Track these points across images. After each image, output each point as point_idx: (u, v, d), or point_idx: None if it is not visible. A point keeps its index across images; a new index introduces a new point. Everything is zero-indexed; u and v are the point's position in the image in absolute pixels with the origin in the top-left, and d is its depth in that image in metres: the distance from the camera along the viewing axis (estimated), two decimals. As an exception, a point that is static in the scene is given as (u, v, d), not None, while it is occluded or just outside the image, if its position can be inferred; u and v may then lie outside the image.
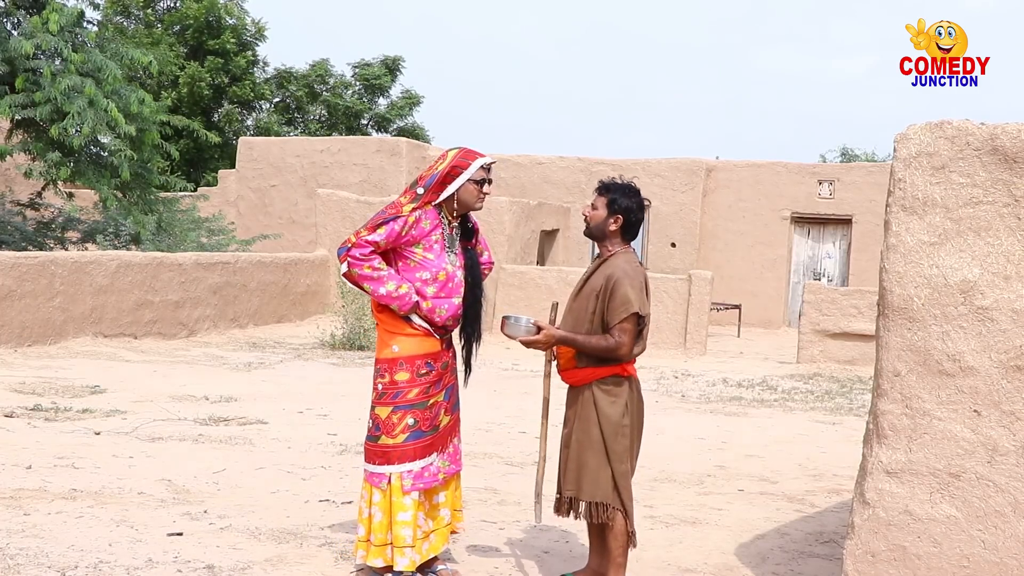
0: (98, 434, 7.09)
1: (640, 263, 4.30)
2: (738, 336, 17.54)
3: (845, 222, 18.81)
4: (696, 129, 78.74)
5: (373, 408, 4.33)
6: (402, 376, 4.29)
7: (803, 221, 19.21)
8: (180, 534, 4.87)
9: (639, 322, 4.14)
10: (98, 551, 4.54)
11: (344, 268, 4.32)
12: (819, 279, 18.80)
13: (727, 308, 18.00)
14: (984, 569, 3.52)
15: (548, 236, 18.26)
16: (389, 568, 4.25)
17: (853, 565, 3.71)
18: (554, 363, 4.35)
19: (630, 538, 4.24)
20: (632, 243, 4.38)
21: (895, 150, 3.68)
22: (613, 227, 4.28)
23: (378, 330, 4.39)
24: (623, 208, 4.25)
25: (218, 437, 7.21)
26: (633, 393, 4.23)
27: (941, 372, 3.57)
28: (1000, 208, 3.54)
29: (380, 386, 4.30)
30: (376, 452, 4.27)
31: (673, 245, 19.06)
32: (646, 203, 4.32)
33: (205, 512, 5.28)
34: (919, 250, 3.61)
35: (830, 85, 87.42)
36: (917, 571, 3.60)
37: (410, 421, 4.27)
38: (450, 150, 4.43)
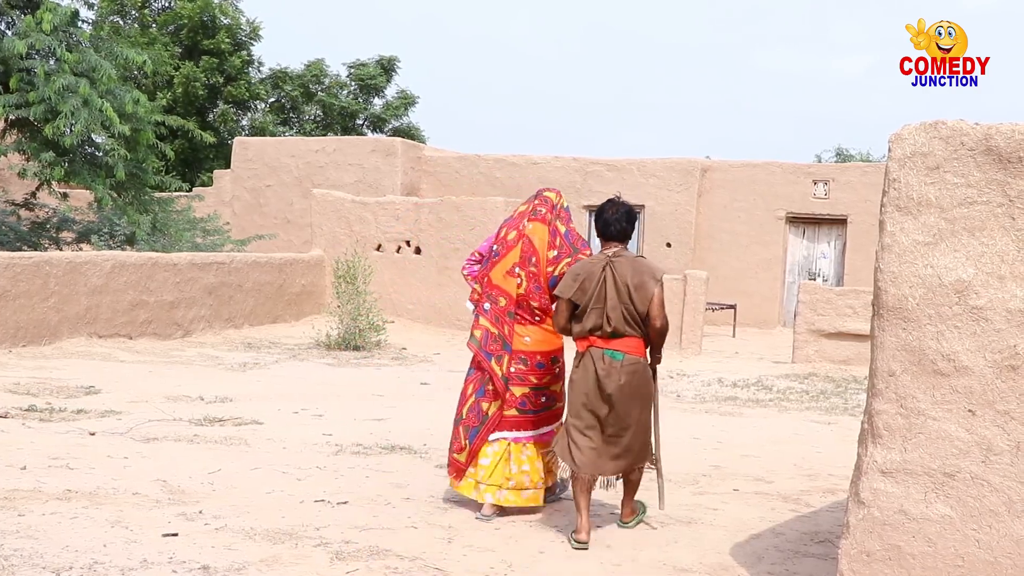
0: (93, 435, 7.08)
1: (605, 261, 5.11)
2: (733, 336, 17.55)
3: (840, 222, 18.83)
4: (692, 129, 78.83)
5: (547, 387, 5.56)
6: (562, 359, 5.68)
7: (798, 221, 19.22)
8: (175, 535, 4.86)
9: (571, 305, 5.13)
10: (93, 552, 4.53)
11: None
12: (814, 279, 18.80)
13: (722, 308, 18.01)
14: (979, 568, 3.53)
15: (543, 236, 18.25)
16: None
17: (848, 565, 3.71)
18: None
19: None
20: (623, 242, 5.24)
21: (890, 150, 3.69)
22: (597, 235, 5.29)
23: (542, 329, 5.52)
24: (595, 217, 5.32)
25: (213, 437, 7.20)
26: (584, 361, 5.10)
27: (936, 372, 3.58)
28: (994, 208, 3.54)
29: (557, 369, 5.61)
30: (555, 415, 5.60)
31: (668, 245, 19.06)
32: (616, 198, 5.37)
33: (200, 512, 5.27)
34: (914, 250, 3.62)
35: (826, 85, 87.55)
36: (912, 570, 3.61)
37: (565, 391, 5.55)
38: (549, 192, 5.75)
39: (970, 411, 3.54)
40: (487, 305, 5.54)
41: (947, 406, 3.57)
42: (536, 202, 5.65)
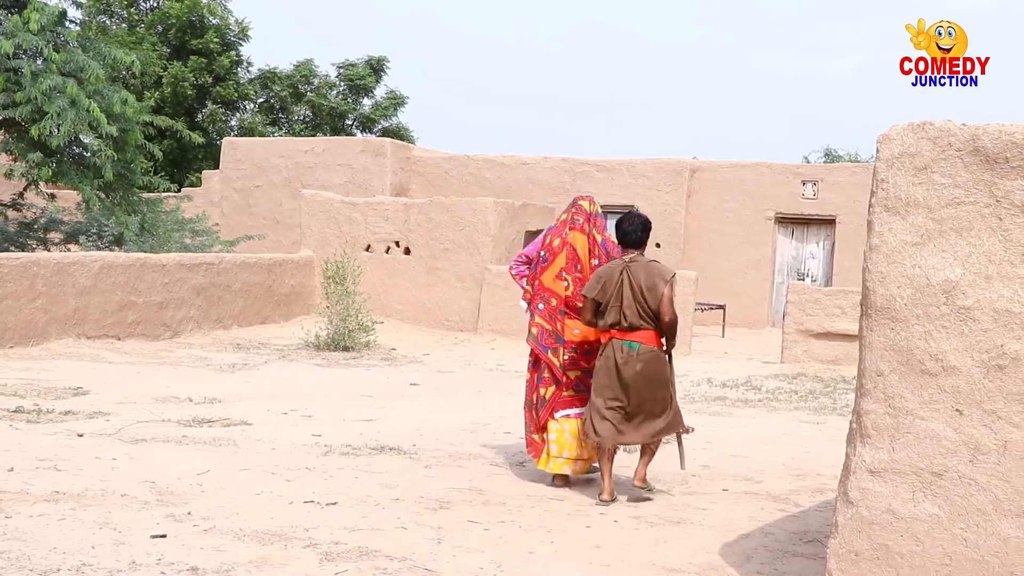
0: (81, 436, 7.04)
1: (623, 265, 5.99)
2: (722, 336, 17.58)
3: (829, 222, 18.89)
4: (681, 130, 78.95)
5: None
6: None
7: (787, 221, 19.28)
8: (164, 536, 4.84)
9: (595, 303, 5.99)
10: (81, 553, 4.51)
11: None
12: (803, 279, 18.85)
13: (711, 308, 18.03)
14: (966, 567, 3.55)
15: (532, 237, 18.25)
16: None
17: (837, 564, 3.73)
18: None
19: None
20: (639, 248, 6.10)
21: (878, 151, 3.70)
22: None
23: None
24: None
25: (202, 438, 7.18)
26: (606, 350, 6.01)
27: (923, 372, 3.59)
28: (981, 208, 3.56)
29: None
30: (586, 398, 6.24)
31: (658, 245, 19.06)
32: (634, 211, 6.30)
33: (189, 514, 5.25)
34: (902, 250, 3.64)
35: (815, 86, 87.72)
36: (900, 570, 3.62)
37: None
38: (583, 201, 6.53)
39: (958, 411, 3.56)
40: (540, 305, 6.41)
41: (935, 406, 3.59)
42: (573, 211, 6.46)
